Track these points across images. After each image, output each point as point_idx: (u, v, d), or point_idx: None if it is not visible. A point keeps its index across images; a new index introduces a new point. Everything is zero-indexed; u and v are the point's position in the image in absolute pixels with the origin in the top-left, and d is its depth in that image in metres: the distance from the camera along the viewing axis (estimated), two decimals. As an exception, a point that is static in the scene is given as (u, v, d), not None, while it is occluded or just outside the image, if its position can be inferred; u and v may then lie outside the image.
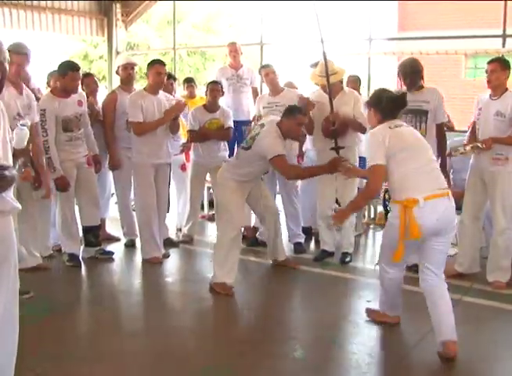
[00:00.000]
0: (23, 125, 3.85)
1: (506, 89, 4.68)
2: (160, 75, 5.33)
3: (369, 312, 4.15)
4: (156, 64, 5.37)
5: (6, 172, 2.35)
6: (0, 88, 2.56)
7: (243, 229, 6.28)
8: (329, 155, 4.92)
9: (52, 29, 10.11)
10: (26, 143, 3.59)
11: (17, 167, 2.76)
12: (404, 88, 4.97)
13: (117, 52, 10.84)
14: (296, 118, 4.65)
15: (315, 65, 5.85)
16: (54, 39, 15.42)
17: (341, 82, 5.29)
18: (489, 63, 4.68)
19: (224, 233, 4.74)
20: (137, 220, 5.59)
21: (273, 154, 4.46)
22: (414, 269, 5.01)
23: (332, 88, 5.00)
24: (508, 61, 4.70)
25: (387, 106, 3.71)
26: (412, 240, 3.46)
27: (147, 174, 5.37)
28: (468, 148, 4.70)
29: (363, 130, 5.21)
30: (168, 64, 18.06)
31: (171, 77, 6.55)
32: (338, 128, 5.04)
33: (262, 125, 4.72)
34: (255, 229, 6.14)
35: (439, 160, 5.08)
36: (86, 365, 3.51)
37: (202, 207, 6.95)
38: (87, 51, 19.21)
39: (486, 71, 4.70)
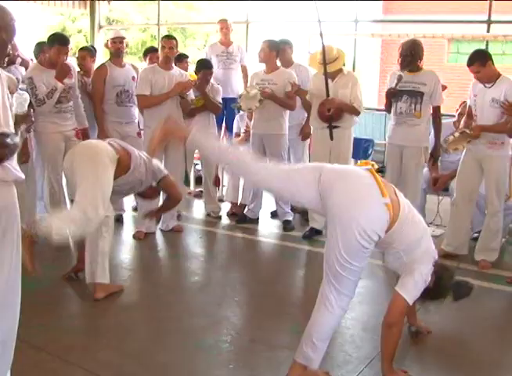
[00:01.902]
0: (22, 90, 3.80)
1: (499, 75, 4.68)
2: (164, 49, 5.41)
3: None
4: (162, 39, 5.54)
5: (8, 140, 2.30)
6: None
7: (230, 205, 6.37)
8: (326, 133, 5.01)
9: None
10: (26, 108, 3.55)
11: (19, 133, 2.70)
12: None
13: (100, 27, 10.68)
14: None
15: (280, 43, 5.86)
16: (31, 11, 15.13)
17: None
18: (468, 66, 4.68)
19: None
20: None
21: None
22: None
23: (328, 74, 5.06)
24: (485, 52, 4.74)
25: None
26: None
27: None
28: (457, 134, 4.76)
29: (357, 113, 5.27)
30: (150, 41, 17.86)
31: (156, 51, 6.55)
32: (333, 114, 5.11)
33: None
34: (243, 206, 6.16)
35: (433, 142, 5.18)
36: (82, 337, 3.52)
37: (189, 184, 6.93)
38: (64, 25, 18.87)
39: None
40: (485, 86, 4.69)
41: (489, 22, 7.71)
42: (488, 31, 7.75)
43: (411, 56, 4.96)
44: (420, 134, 5.03)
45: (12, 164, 2.50)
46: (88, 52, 6.03)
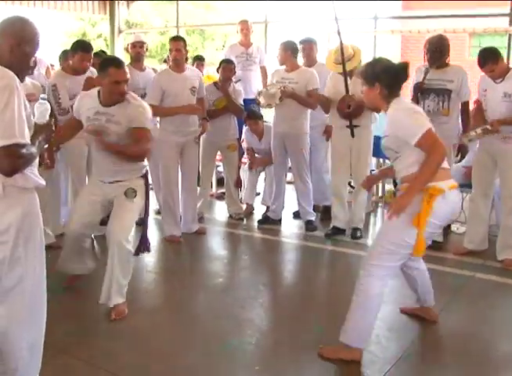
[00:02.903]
0: (43, 99, 3.84)
1: (509, 69, 4.68)
2: (172, 51, 5.29)
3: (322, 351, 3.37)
4: (170, 41, 5.42)
5: (23, 150, 2.32)
6: (18, 74, 2.46)
7: (244, 205, 6.39)
8: (346, 133, 4.99)
9: (54, 7, 10.03)
10: (48, 118, 3.58)
11: (37, 143, 2.71)
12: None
13: (120, 31, 10.75)
14: (108, 74, 3.80)
15: (305, 42, 5.84)
16: (51, 17, 15.30)
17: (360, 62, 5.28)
18: (481, 67, 4.65)
19: None
20: (160, 197, 5.60)
21: None
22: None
23: (347, 72, 5.06)
24: (494, 50, 4.69)
25: (393, 78, 3.20)
26: None
27: (171, 151, 5.35)
28: (479, 131, 4.69)
29: (378, 110, 5.22)
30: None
31: None
32: (353, 111, 5.09)
33: None
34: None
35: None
36: (107, 341, 3.54)
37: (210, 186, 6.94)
38: (85, 30, 19.06)
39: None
40: (495, 82, 4.65)
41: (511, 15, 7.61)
42: (510, 25, 7.64)
43: (439, 51, 4.88)
44: (449, 131, 4.96)
45: (34, 171, 2.53)
46: (97, 58, 5.98)
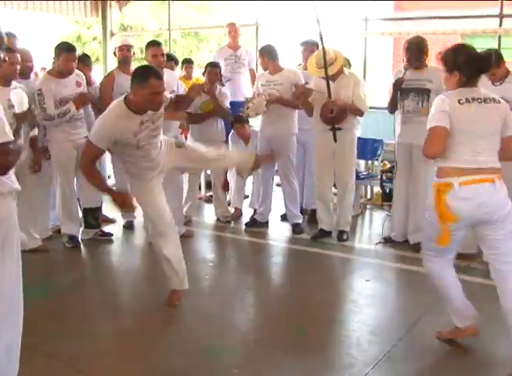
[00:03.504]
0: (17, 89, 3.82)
1: (509, 73, 4.67)
2: (156, 57, 5.26)
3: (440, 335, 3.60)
4: (150, 47, 5.37)
5: (11, 146, 2.32)
6: None
7: (233, 210, 6.38)
8: (329, 136, 4.98)
9: (46, 10, 10.00)
10: (27, 105, 3.54)
11: (21, 132, 2.73)
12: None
13: (112, 34, 10.75)
14: (149, 85, 3.61)
15: (306, 44, 5.87)
16: (46, 20, 15.29)
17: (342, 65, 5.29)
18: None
19: None
20: None
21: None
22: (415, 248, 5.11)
23: (329, 76, 5.05)
24: (497, 53, 4.71)
25: (473, 68, 3.23)
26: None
27: None
28: None
29: (361, 114, 5.27)
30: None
31: (172, 58, 6.55)
32: (336, 115, 5.10)
33: None
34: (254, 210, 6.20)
35: None
36: (89, 343, 3.52)
37: (199, 188, 6.94)
38: (80, 32, 19.05)
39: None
40: (494, 85, 4.64)
41: (501, 16, 7.63)
42: (500, 25, 7.66)
43: (419, 51, 4.92)
44: None
45: (10, 176, 2.53)
46: (81, 63, 5.86)
